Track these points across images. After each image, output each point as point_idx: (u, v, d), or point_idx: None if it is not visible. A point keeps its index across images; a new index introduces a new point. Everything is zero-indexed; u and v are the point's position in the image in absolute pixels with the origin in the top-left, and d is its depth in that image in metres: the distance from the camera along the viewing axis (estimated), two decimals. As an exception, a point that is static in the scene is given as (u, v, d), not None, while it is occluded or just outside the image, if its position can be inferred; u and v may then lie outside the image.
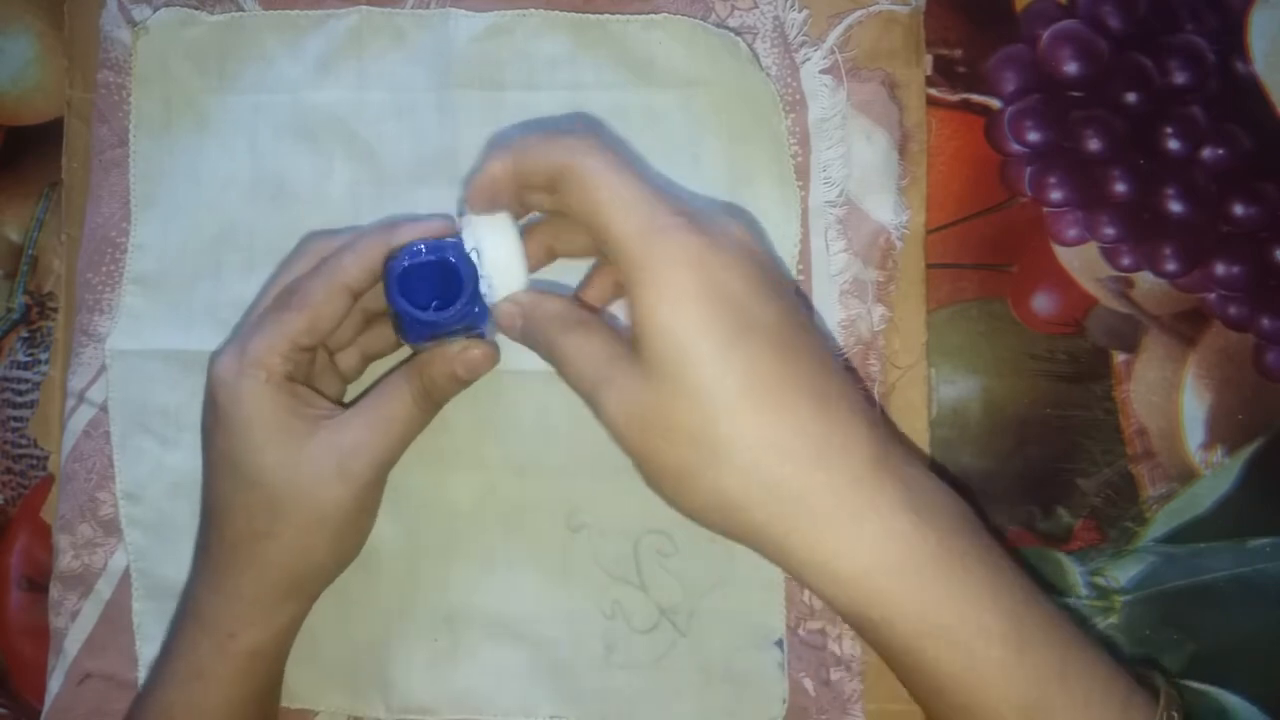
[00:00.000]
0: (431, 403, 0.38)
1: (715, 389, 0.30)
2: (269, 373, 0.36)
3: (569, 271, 0.39)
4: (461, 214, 0.36)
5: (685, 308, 0.30)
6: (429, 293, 0.35)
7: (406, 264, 0.35)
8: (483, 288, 0.35)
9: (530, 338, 0.35)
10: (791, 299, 0.32)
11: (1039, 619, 0.31)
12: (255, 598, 0.37)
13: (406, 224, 0.37)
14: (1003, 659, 0.30)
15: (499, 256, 0.35)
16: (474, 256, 0.35)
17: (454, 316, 0.35)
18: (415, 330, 0.36)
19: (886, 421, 0.34)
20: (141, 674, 0.43)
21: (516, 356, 0.41)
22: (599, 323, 0.34)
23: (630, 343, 0.32)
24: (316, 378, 0.39)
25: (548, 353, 0.34)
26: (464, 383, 0.38)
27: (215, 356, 0.37)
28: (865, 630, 0.31)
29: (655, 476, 0.32)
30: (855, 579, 0.30)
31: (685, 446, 0.30)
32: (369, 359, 0.41)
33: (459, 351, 0.37)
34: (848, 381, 0.32)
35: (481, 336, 0.38)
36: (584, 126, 0.35)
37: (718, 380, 0.30)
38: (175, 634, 0.39)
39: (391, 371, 0.39)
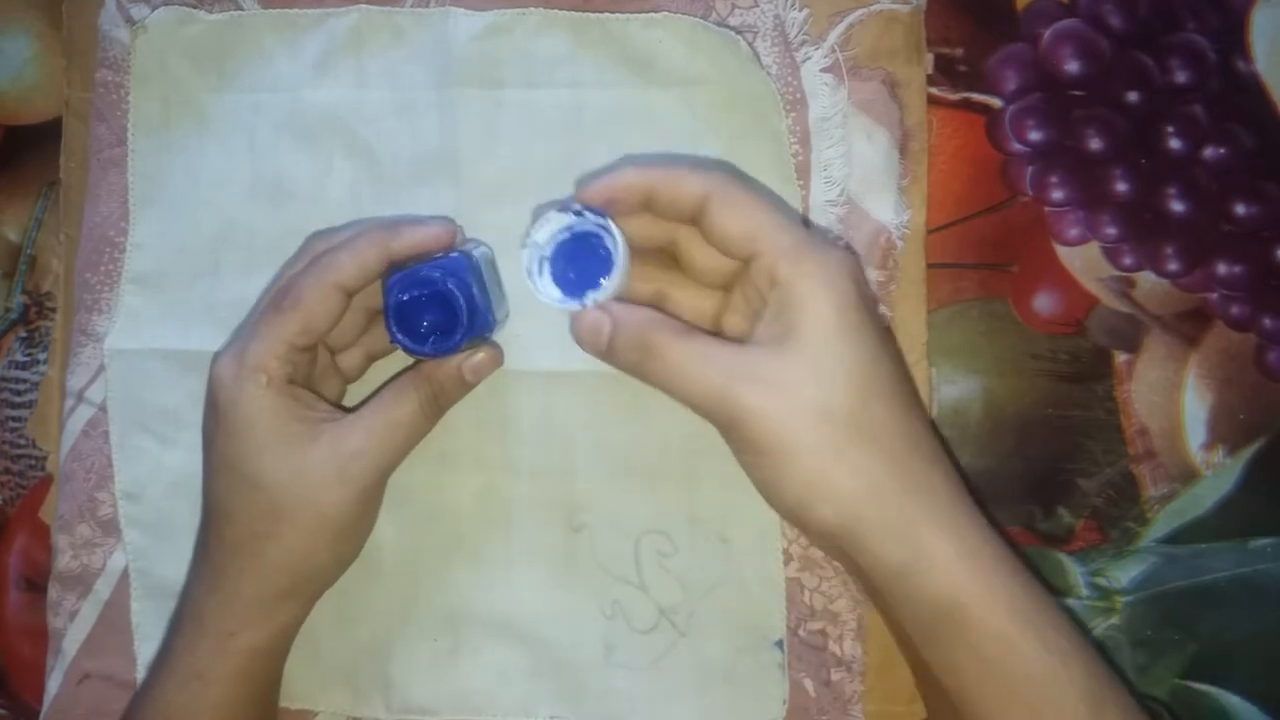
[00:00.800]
0: (437, 408, 0.38)
1: (872, 374, 0.33)
2: (269, 376, 0.36)
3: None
4: (564, 208, 0.35)
5: (852, 311, 0.33)
6: (429, 317, 0.36)
7: (404, 298, 0.36)
8: (604, 280, 0.35)
9: (624, 350, 0.35)
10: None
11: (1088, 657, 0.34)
12: (255, 598, 0.37)
13: (407, 226, 0.38)
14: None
15: (618, 256, 0.35)
16: (610, 242, 0.35)
17: (452, 347, 0.36)
18: (415, 354, 0.37)
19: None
20: (140, 674, 0.43)
21: (518, 357, 0.41)
22: (698, 330, 0.36)
23: (748, 338, 0.35)
24: (318, 378, 0.39)
25: (649, 363, 0.35)
26: (470, 386, 0.39)
27: (215, 359, 0.37)
28: (941, 625, 0.34)
29: (807, 458, 0.33)
30: (922, 588, 0.33)
31: (840, 427, 0.33)
32: (372, 358, 0.41)
33: (465, 357, 0.38)
34: (926, 417, 0.36)
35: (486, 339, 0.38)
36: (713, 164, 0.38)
37: (874, 369, 0.33)
38: (174, 634, 0.39)
39: (397, 377, 0.39)
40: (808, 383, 0.33)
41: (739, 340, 0.36)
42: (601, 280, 0.35)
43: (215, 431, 0.37)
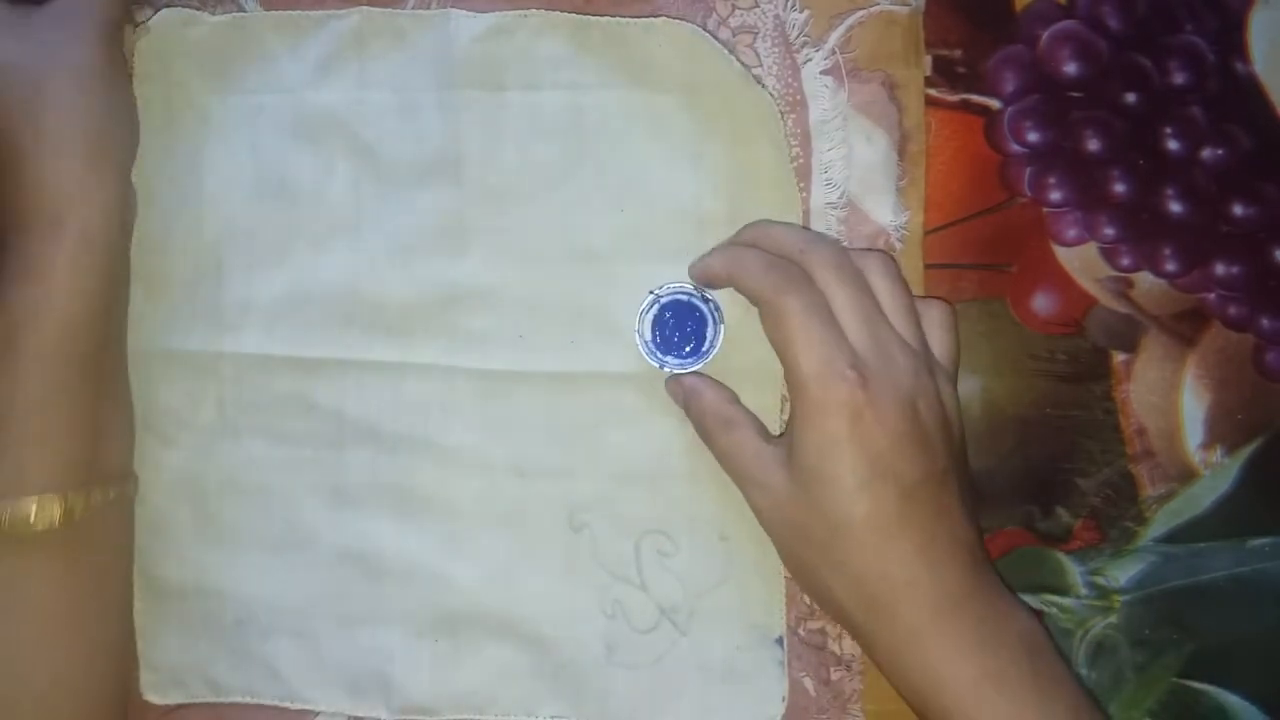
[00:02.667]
0: None
1: (843, 517, 0.36)
2: None
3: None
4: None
5: (835, 451, 0.36)
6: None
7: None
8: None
9: (692, 422, 0.41)
10: (937, 455, 0.37)
11: None
12: (67, 175, 0.37)
13: None
14: None
15: (709, 332, 0.41)
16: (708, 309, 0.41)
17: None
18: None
19: (986, 553, 0.39)
20: (143, 674, 0.43)
21: (521, 358, 0.42)
22: (749, 422, 0.39)
23: (777, 442, 0.38)
24: None
25: (704, 439, 0.40)
26: None
27: None
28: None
29: (786, 560, 0.39)
30: (924, 685, 0.36)
31: (814, 549, 0.37)
32: None
33: None
34: (957, 522, 0.37)
35: None
36: (809, 249, 0.38)
37: (846, 511, 0.36)
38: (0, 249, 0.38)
39: None
40: (792, 504, 0.37)
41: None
42: (686, 349, 0.41)
43: None
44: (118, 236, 0.39)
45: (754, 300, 0.38)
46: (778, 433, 0.41)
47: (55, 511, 0.36)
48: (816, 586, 0.38)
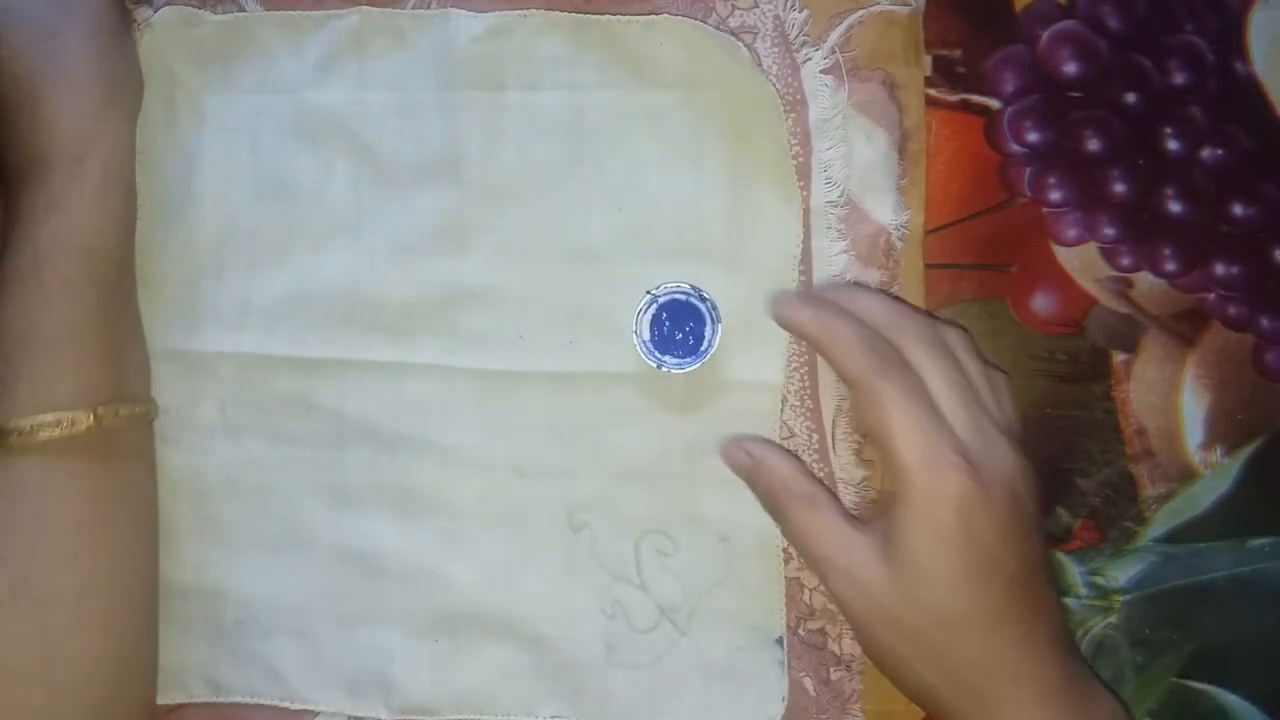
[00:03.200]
0: None
1: (946, 611, 0.35)
2: None
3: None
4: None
5: (941, 544, 0.34)
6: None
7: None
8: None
9: (757, 490, 0.39)
10: (1034, 539, 0.36)
11: None
12: (83, 116, 0.39)
13: None
14: None
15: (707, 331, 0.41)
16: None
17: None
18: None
19: (1071, 634, 0.39)
20: (142, 673, 0.43)
21: (520, 358, 0.42)
22: (827, 497, 0.38)
23: (864, 525, 0.37)
24: None
25: (774, 513, 0.39)
26: None
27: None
28: None
29: (872, 650, 0.38)
30: None
31: (907, 640, 0.36)
32: None
33: None
34: (1052, 608, 0.37)
35: None
36: (901, 325, 0.37)
37: (949, 604, 0.35)
38: (17, 189, 0.39)
39: None
40: (887, 593, 0.35)
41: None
42: (680, 351, 0.41)
43: None
44: (131, 172, 0.41)
45: (846, 379, 0.37)
46: (775, 432, 0.41)
47: (85, 422, 0.38)
48: (906, 675, 0.37)
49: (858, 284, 0.41)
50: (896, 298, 0.40)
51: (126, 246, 0.41)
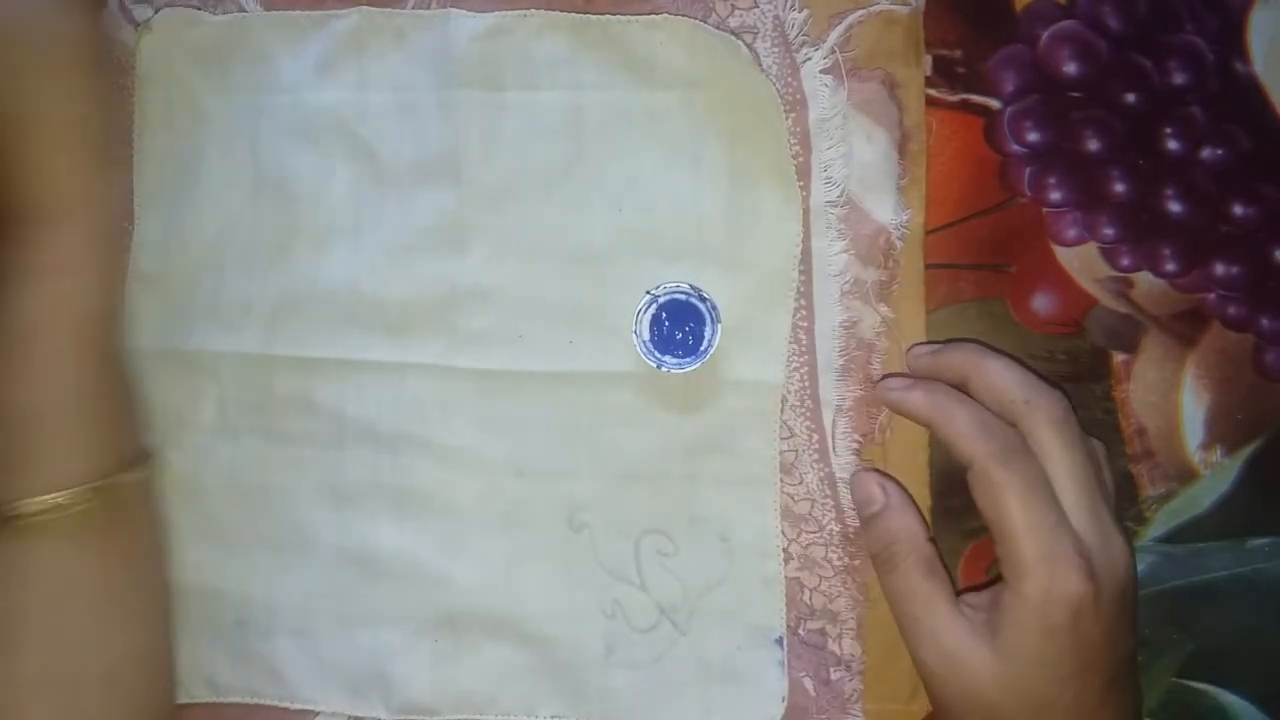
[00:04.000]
0: None
1: (1046, 702, 0.35)
2: None
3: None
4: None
5: (1050, 640, 0.34)
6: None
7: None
8: None
9: (872, 544, 0.39)
10: (1133, 635, 0.36)
11: None
12: (68, 169, 0.35)
13: None
14: None
15: (707, 331, 0.41)
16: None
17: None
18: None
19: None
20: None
21: (521, 358, 0.42)
22: (943, 569, 0.37)
23: (971, 610, 0.36)
24: None
25: (880, 565, 0.38)
26: None
27: None
28: None
29: None
30: None
31: None
32: None
33: None
34: (1139, 694, 0.38)
35: None
36: (1033, 401, 0.37)
37: (1050, 698, 0.35)
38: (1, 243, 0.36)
39: None
40: (986, 683, 0.35)
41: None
42: (680, 351, 0.41)
43: None
44: (119, 222, 0.38)
45: (964, 462, 0.36)
46: (775, 432, 0.41)
47: (92, 500, 0.36)
48: None
49: (986, 346, 0.40)
50: (1027, 367, 0.39)
51: (118, 300, 0.39)
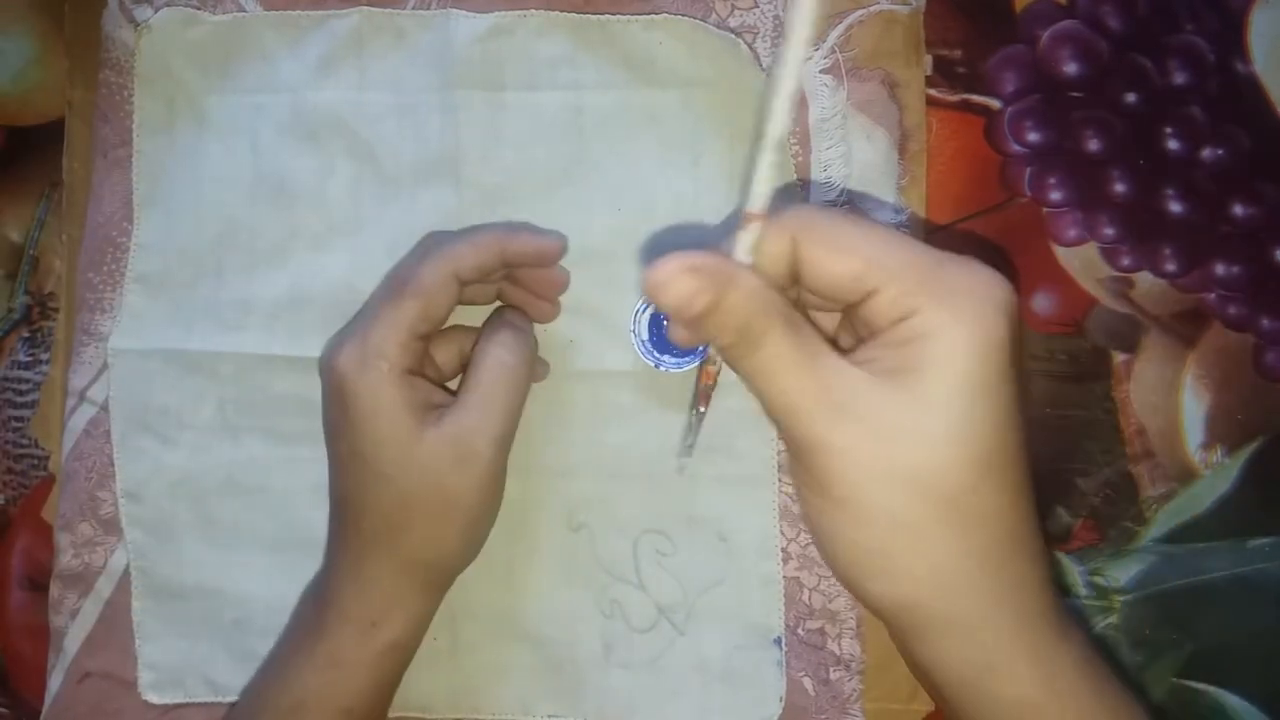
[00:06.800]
0: (526, 350, 0.38)
1: (990, 455, 0.27)
2: (390, 364, 0.36)
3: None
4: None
5: (996, 361, 0.27)
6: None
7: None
8: None
9: (720, 329, 0.28)
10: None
11: None
12: (394, 590, 0.37)
13: (526, 232, 0.40)
14: None
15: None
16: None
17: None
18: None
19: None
20: (141, 673, 0.43)
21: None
22: (814, 331, 0.29)
23: (864, 359, 0.28)
24: (424, 369, 0.39)
25: (742, 348, 0.28)
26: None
27: (334, 350, 0.37)
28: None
29: (860, 527, 0.28)
30: (983, 702, 0.29)
31: (927, 503, 0.27)
32: (464, 357, 0.41)
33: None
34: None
35: None
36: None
37: (997, 448, 0.27)
38: (308, 620, 0.39)
39: (475, 347, 0.38)
40: (914, 442, 0.27)
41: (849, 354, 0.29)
42: (679, 350, 0.41)
43: (341, 423, 0.37)
44: (416, 646, 0.39)
45: (782, 268, 0.29)
46: (772, 432, 0.41)
47: None
48: (910, 564, 0.28)
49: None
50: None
51: (387, 704, 0.39)
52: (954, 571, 0.28)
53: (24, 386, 0.45)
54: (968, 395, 0.27)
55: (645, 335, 0.41)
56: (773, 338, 0.28)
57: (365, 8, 0.43)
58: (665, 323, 0.41)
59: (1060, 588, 0.42)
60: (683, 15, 0.42)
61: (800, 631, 0.41)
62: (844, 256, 0.28)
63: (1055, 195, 0.43)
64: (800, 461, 0.29)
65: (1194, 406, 0.42)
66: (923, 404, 0.27)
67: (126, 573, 0.43)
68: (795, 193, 0.42)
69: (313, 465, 0.42)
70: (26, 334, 0.46)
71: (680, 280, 0.27)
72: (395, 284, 0.37)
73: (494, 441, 0.37)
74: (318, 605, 0.38)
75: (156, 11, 0.43)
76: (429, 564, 0.38)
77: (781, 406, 0.28)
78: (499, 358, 0.37)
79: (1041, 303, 0.43)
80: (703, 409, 0.35)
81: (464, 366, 0.40)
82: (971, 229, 0.43)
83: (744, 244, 0.28)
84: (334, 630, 0.37)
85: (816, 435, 0.28)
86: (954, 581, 0.28)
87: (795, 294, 0.31)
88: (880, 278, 0.28)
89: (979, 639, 0.29)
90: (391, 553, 0.37)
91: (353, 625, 0.37)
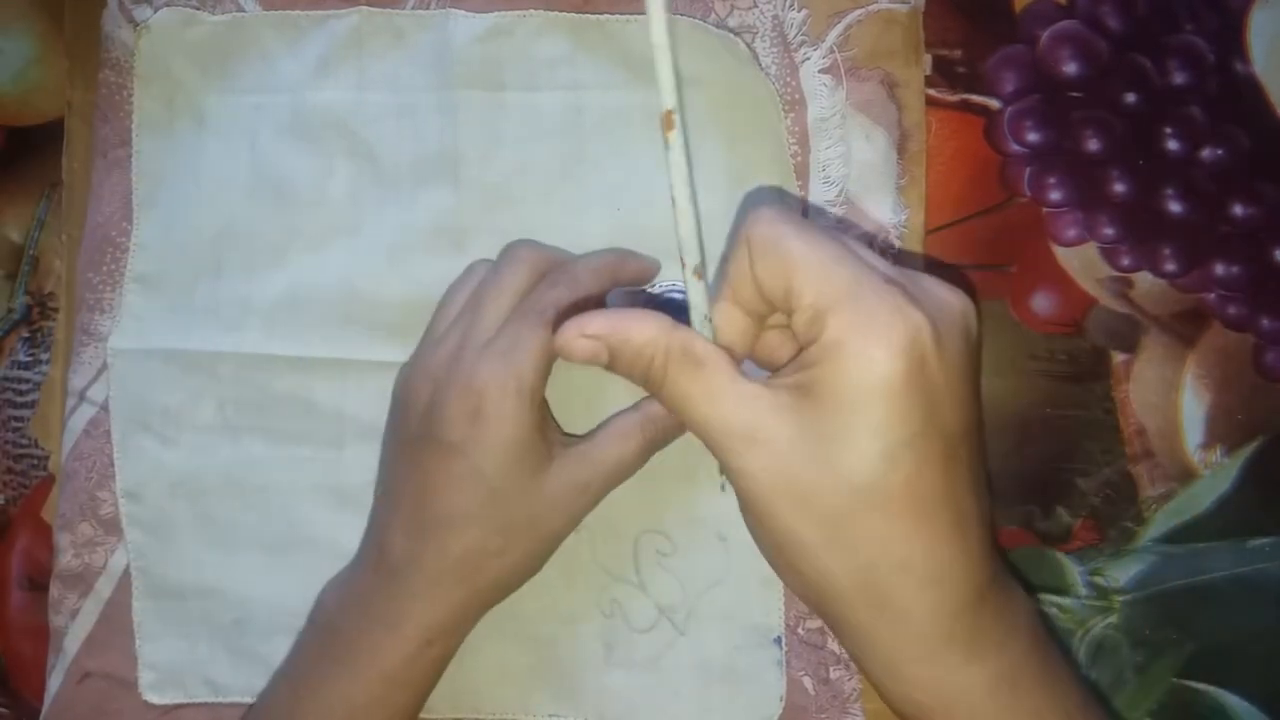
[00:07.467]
0: (652, 450, 0.39)
1: (871, 485, 0.27)
2: (533, 391, 0.36)
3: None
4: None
5: (878, 397, 0.27)
6: None
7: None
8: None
9: (622, 371, 0.31)
10: (976, 393, 0.29)
11: None
12: (462, 610, 0.37)
13: (633, 255, 0.40)
14: None
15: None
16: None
17: None
18: None
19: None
20: (141, 673, 0.43)
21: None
22: (715, 352, 0.30)
23: (769, 383, 0.29)
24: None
25: (651, 385, 0.31)
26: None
27: (475, 363, 0.36)
28: None
29: (766, 534, 0.30)
30: (930, 698, 0.30)
31: (814, 523, 0.28)
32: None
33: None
34: (983, 490, 0.30)
35: None
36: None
37: (877, 477, 0.27)
38: (350, 636, 0.38)
39: (623, 414, 0.39)
40: (802, 463, 0.28)
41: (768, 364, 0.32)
42: None
43: (471, 438, 0.35)
44: (452, 656, 0.39)
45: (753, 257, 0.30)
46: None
47: None
48: (802, 567, 0.29)
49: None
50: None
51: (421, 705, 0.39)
52: (840, 590, 0.29)
53: (24, 386, 0.46)
54: (847, 421, 0.27)
55: None
56: (672, 377, 0.30)
57: (364, 8, 0.43)
58: None
59: (1059, 588, 0.42)
60: (682, 15, 0.42)
61: (800, 631, 0.41)
62: (776, 269, 0.29)
63: (1055, 195, 0.43)
64: (729, 482, 0.31)
65: (1194, 406, 0.42)
66: (810, 426, 0.28)
67: (126, 573, 0.43)
68: (795, 193, 0.42)
69: (313, 465, 0.43)
70: (26, 334, 0.46)
71: (578, 344, 0.31)
72: (530, 309, 0.37)
73: (592, 503, 0.38)
74: (364, 620, 0.38)
75: (156, 11, 0.43)
76: (503, 587, 0.38)
77: (699, 435, 0.31)
78: (636, 440, 0.38)
79: (1041, 303, 0.43)
80: None
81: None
82: (971, 229, 0.43)
83: (696, 299, 0.32)
84: (388, 649, 0.37)
85: (728, 462, 0.30)
86: (840, 600, 0.29)
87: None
88: (805, 293, 0.28)
89: (871, 665, 0.30)
90: (475, 575, 0.37)
91: (410, 644, 0.37)
